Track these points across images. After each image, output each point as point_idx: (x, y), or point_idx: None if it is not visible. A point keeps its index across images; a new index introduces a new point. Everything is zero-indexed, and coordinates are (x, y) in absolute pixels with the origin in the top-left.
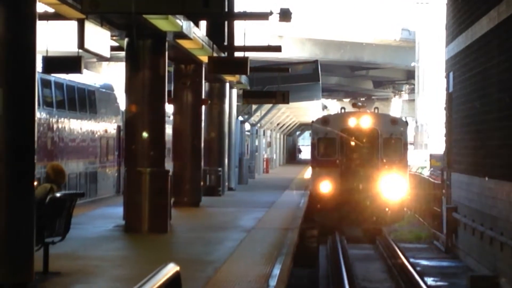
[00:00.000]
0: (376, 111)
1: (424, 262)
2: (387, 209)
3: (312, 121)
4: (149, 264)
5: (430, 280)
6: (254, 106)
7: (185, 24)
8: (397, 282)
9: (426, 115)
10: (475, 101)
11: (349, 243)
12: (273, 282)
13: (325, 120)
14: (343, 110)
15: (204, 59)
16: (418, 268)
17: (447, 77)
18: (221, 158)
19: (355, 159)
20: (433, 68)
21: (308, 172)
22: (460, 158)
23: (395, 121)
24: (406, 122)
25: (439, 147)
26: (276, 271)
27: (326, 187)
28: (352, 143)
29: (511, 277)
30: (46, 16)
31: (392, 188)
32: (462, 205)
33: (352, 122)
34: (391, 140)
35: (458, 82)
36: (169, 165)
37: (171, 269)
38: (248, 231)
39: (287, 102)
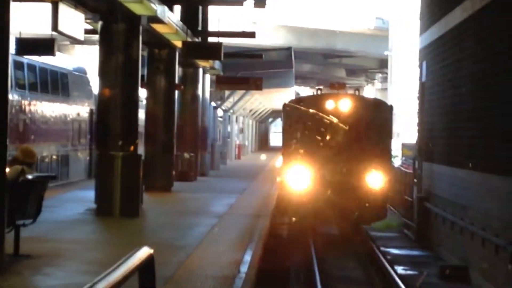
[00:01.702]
0: (357, 93)
1: (394, 251)
2: (367, 205)
3: (284, 104)
4: (121, 247)
5: (400, 269)
6: (227, 92)
7: (159, 9)
8: (367, 270)
9: (399, 104)
10: (447, 91)
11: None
12: (244, 268)
13: (298, 103)
14: (319, 92)
15: (178, 44)
16: (388, 257)
17: (420, 66)
18: (193, 144)
19: (332, 147)
20: (406, 57)
21: (279, 160)
22: (431, 147)
23: (378, 105)
24: (391, 106)
25: (411, 136)
26: (248, 257)
27: (299, 178)
28: (330, 129)
29: (481, 267)
30: None
31: (375, 181)
32: (433, 194)
33: (329, 105)
34: (373, 126)
35: (431, 72)
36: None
37: (145, 252)
38: (220, 217)
39: (260, 89)
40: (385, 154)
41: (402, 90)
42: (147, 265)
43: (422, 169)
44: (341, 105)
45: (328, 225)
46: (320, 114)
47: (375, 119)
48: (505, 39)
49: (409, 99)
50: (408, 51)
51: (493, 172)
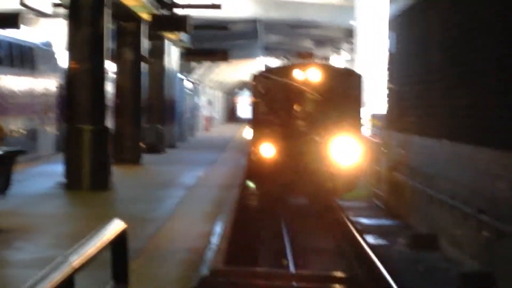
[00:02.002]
0: (326, 62)
1: (364, 221)
2: (338, 176)
3: (252, 75)
4: (91, 221)
5: (370, 238)
6: (194, 65)
7: None
8: (338, 241)
9: (366, 74)
10: (415, 61)
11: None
12: (215, 239)
13: (266, 73)
14: (287, 61)
15: (146, 16)
16: (358, 227)
17: (389, 36)
18: (161, 116)
19: (302, 118)
20: (372, 27)
21: (247, 131)
22: (400, 117)
23: (348, 74)
24: (361, 76)
25: (378, 106)
26: (218, 228)
27: (268, 150)
28: (299, 99)
29: (449, 234)
30: None
31: (346, 152)
32: (402, 164)
33: (298, 75)
34: (344, 95)
35: (400, 42)
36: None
37: (117, 225)
38: (189, 189)
39: (227, 60)
40: (356, 124)
41: (369, 60)
42: (120, 238)
43: (391, 138)
44: (311, 75)
45: (299, 196)
46: (289, 83)
47: (345, 89)
48: (474, 7)
49: (376, 69)
50: (375, 21)
51: (461, 141)
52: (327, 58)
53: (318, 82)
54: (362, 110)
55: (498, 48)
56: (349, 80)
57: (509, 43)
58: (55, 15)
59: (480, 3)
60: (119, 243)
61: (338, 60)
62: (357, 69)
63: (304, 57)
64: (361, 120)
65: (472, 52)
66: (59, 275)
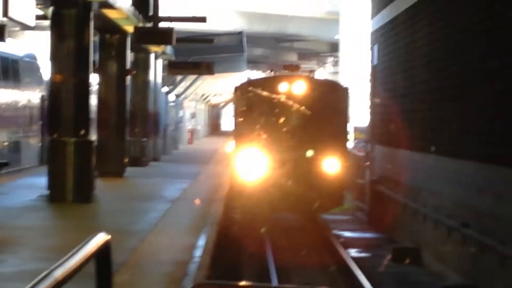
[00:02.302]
0: (312, 75)
1: (347, 234)
2: (324, 193)
3: (236, 87)
4: (75, 233)
5: (353, 252)
6: (179, 78)
7: None
8: (321, 255)
9: (350, 87)
10: (399, 74)
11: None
12: (198, 252)
13: (251, 85)
14: (272, 73)
15: (130, 29)
16: (341, 240)
17: (372, 49)
18: (145, 129)
19: (287, 131)
20: (356, 40)
21: (230, 145)
22: (384, 130)
23: (334, 87)
24: (347, 89)
25: (362, 119)
26: (202, 241)
27: (251, 165)
28: (284, 112)
29: (433, 249)
30: None
31: (332, 167)
32: (385, 177)
33: (283, 88)
34: (329, 109)
35: (383, 55)
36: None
37: (102, 238)
38: (173, 202)
39: (212, 73)
40: (341, 138)
41: (353, 73)
42: (104, 251)
43: (374, 152)
44: (296, 87)
45: (284, 212)
46: (273, 96)
47: (331, 102)
48: (458, 20)
49: (360, 82)
50: (359, 34)
51: (445, 155)
52: (312, 71)
53: (303, 94)
54: (347, 124)
55: (482, 62)
56: (335, 93)
57: (488, 56)
58: (39, 28)
59: (461, 16)
60: (103, 256)
61: (323, 73)
62: (341, 81)
63: (289, 69)
64: (346, 134)
65: (456, 65)
66: None
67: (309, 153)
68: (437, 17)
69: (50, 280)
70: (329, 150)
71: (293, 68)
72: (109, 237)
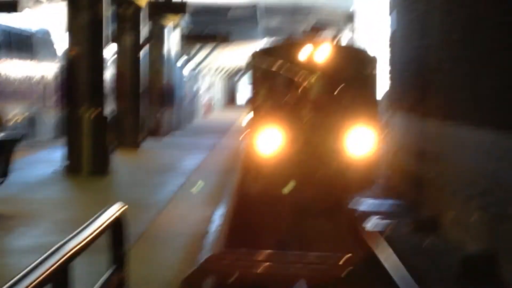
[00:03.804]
0: (337, 40)
1: (365, 203)
2: (356, 174)
3: (253, 53)
4: (90, 206)
5: (370, 222)
6: (194, 51)
7: None
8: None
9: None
10: (417, 41)
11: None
12: (215, 224)
13: (269, 52)
14: (291, 37)
15: (143, 3)
16: (358, 211)
17: (391, 15)
18: (161, 101)
19: (310, 103)
20: (372, 9)
21: (246, 117)
22: (402, 97)
23: (362, 55)
24: (375, 57)
25: (383, 88)
26: (218, 213)
27: (269, 140)
28: (306, 81)
29: (452, 218)
30: None
31: (361, 144)
32: (405, 146)
33: (305, 54)
34: (358, 77)
35: (402, 21)
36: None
37: (117, 209)
38: (190, 174)
39: (228, 41)
40: (372, 110)
41: (371, 40)
42: (119, 223)
43: (394, 120)
44: (319, 54)
45: (305, 196)
46: (294, 62)
47: (359, 70)
48: None
49: (378, 49)
50: (375, 4)
51: (459, 123)
52: (338, 36)
53: (328, 62)
54: (377, 94)
55: (496, 33)
56: (363, 62)
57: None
58: (52, 0)
59: None
60: (118, 228)
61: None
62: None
63: (314, 30)
64: (377, 106)
65: (469, 35)
66: (56, 261)
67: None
68: None
69: (63, 252)
70: (359, 123)
71: (315, 30)
72: (125, 206)
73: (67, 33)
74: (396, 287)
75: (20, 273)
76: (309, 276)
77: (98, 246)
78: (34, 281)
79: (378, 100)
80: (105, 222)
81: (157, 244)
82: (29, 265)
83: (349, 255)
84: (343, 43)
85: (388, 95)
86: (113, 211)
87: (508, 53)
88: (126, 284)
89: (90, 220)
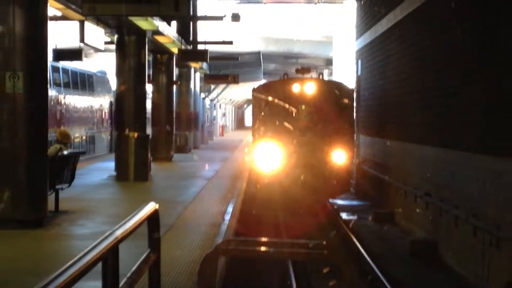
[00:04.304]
0: (321, 77)
1: (339, 202)
2: (334, 182)
3: (253, 88)
4: (135, 204)
5: (344, 215)
6: (212, 86)
7: (160, 25)
8: (320, 218)
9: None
10: (376, 82)
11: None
12: (227, 217)
13: (266, 88)
14: (285, 76)
15: (175, 50)
16: (335, 206)
17: (357, 64)
18: (188, 125)
19: (299, 126)
20: (345, 57)
21: (250, 137)
22: (366, 124)
23: (341, 88)
24: (353, 90)
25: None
26: (230, 209)
27: (268, 156)
28: (294, 113)
29: (403, 212)
30: (55, 18)
31: (339, 158)
32: (367, 159)
33: (295, 89)
34: (337, 105)
35: (364, 68)
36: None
37: (152, 206)
38: (209, 179)
39: (237, 83)
40: (348, 132)
41: (343, 82)
42: (154, 216)
43: (360, 140)
44: (306, 88)
45: (296, 197)
46: (285, 95)
47: (338, 100)
48: (419, 43)
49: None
50: (347, 52)
51: (409, 141)
52: (321, 73)
53: (313, 94)
54: (353, 120)
55: (435, 77)
56: (341, 92)
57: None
58: (108, 50)
59: (419, 41)
60: (153, 220)
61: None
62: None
63: (301, 72)
64: (353, 127)
65: (416, 76)
66: (107, 244)
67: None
68: (402, 40)
69: (112, 237)
70: (337, 143)
71: (304, 71)
72: (157, 206)
73: (116, 74)
74: (362, 255)
75: (81, 252)
76: (295, 257)
77: (138, 234)
78: (92, 258)
79: (352, 125)
80: (143, 216)
81: (184, 231)
82: (88, 247)
83: (325, 242)
84: (326, 79)
85: (356, 121)
86: (148, 208)
87: (442, 91)
88: (159, 262)
89: (132, 214)
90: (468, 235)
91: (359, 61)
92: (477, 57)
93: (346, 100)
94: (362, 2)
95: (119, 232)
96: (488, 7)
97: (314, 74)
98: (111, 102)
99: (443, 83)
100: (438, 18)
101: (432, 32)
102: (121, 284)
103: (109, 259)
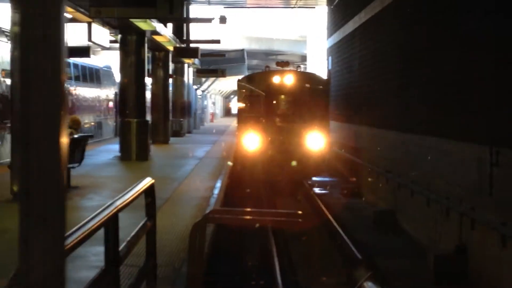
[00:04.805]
0: (299, 69)
1: (313, 178)
2: (310, 162)
3: (238, 80)
4: (136, 180)
5: (317, 189)
6: (203, 79)
7: (158, 26)
8: (296, 189)
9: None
10: (344, 75)
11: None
12: (216, 190)
13: (250, 79)
14: (267, 69)
15: (171, 48)
16: (309, 182)
17: (327, 60)
18: (182, 112)
19: (279, 115)
20: (318, 54)
21: (236, 123)
22: (336, 112)
23: (317, 78)
24: (329, 80)
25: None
26: (218, 184)
27: (250, 140)
28: (275, 102)
29: (368, 187)
30: (67, 20)
31: (315, 142)
32: (338, 142)
33: (276, 80)
34: (314, 95)
35: (334, 63)
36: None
37: (148, 181)
38: (200, 159)
39: (225, 76)
40: (324, 118)
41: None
42: (150, 189)
43: (331, 126)
44: (286, 79)
45: (276, 178)
46: (269, 85)
47: (315, 89)
48: (377, 42)
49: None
50: (319, 50)
51: (373, 126)
52: (299, 66)
53: (292, 84)
54: (328, 107)
55: (390, 72)
56: (318, 83)
57: (391, 75)
58: (112, 48)
59: (380, 42)
60: (149, 192)
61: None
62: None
63: (281, 65)
64: (329, 115)
65: (375, 72)
66: (108, 213)
67: (294, 163)
68: (365, 40)
69: (112, 207)
70: (313, 127)
71: (283, 64)
72: (153, 181)
73: (120, 69)
74: (332, 223)
75: (86, 218)
76: (273, 224)
77: (137, 205)
78: (96, 223)
79: (327, 112)
80: (140, 189)
81: (179, 203)
82: (93, 214)
83: (300, 212)
84: (302, 71)
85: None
86: (145, 182)
87: (397, 83)
88: (155, 229)
89: (130, 187)
90: (422, 206)
91: (330, 58)
92: (422, 56)
93: (321, 89)
94: (332, 6)
95: (119, 202)
96: (431, 15)
97: (292, 67)
98: (116, 93)
99: (398, 77)
100: (396, 22)
101: (390, 33)
102: (120, 247)
103: (111, 226)
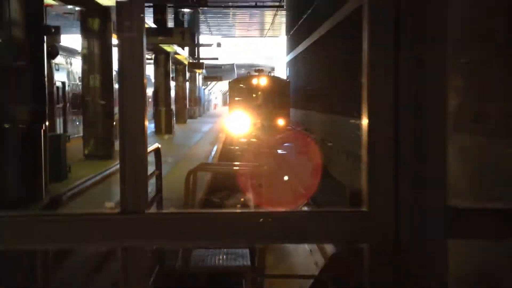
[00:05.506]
0: (270, 74)
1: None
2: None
3: (229, 81)
4: (163, 144)
5: None
6: (208, 82)
7: (178, 49)
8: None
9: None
10: (298, 81)
11: None
12: (213, 153)
13: (237, 80)
14: (249, 74)
15: (186, 62)
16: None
17: (286, 70)
18: (195, 103)
19: (257, 106)
20: (281, 65)
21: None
22: (293, 101)
23: (282, 81)
24: (289, 82)
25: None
26: (215, 148)
27: (238, 124)
28: (254, 95)
29: (333, 163)
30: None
31: (280, 121)
32: (297, 122)
33: (255, 81)
34: (280, 94)
35: (291, 72)
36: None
37: (156, 145)
38: (205, 132)
39: (222, 80)
40: (287, 110)
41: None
42: (157, 150)
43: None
44: (261, 81)
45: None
46: (249, 85)
47: (281, 90)
48: (313, 60)
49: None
50: (282, 63)
51: (314, 110)
52: (271, 72)
53: (265, 84)
54: (289, 102)
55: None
56: (282, 83)
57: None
58: (148, 63)
59: (314, 60)
60: (157, 152)
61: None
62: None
63: (258, 71)
64: (289, 108)
65: (314, 79)
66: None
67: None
68: (311, 57)
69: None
70: (280, 113)
71: (259, 70)
72: (159, 145)
73: (154, 77)
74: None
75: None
76: (245, 173)
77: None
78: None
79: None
80: (151, 149)
81: (189, 160)
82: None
83: (265, 166)
84: (273, 75)
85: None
86: (154, 146)
87: (327, 85)
88: (161, 176)
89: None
90: (344, 160)
91: (288, 68)
92: (343, 68)
93: (284, 87)
94: (289, 36)
95: None
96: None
97: (265, 73)
98: (153, 92)
99: (326, 82)
100: (327, 46)
101: (323, 53)
102: None
103: None
